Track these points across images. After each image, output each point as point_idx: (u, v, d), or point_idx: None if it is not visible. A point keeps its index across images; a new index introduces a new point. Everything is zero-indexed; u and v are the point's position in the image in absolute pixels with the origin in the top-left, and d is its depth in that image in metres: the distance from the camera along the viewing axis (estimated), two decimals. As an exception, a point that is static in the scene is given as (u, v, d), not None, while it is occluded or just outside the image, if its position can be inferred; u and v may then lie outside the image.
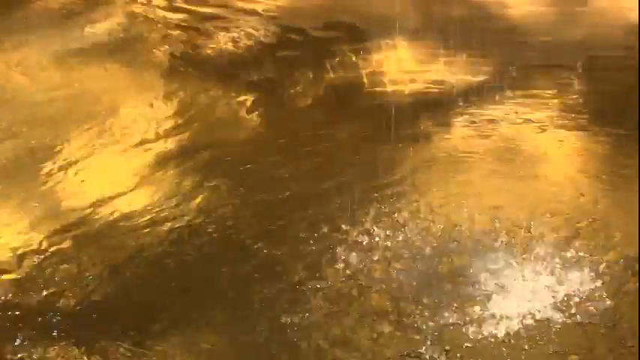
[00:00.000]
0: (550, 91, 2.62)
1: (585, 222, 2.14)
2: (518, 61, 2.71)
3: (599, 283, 2.00)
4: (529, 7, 3.02)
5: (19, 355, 1.86)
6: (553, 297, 1.96)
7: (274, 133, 2.53)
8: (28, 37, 2.93)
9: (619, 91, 2.64)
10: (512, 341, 1.86)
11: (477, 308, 1.93)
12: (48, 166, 2.37)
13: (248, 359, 1.91)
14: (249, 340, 1.91)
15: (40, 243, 2.12)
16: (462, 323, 1.91)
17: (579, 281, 2.00)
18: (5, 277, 2.05)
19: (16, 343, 1.90)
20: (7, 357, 1.89)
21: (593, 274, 2.02)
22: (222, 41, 2.88)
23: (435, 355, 1.90)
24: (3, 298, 2.01)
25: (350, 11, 2.98)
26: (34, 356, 1.86)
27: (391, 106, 2.57)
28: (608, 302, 1.95)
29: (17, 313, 1.98)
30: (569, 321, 1.90)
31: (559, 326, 1.88)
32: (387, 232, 2.13)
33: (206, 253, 2.14)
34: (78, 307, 1.98)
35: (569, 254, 2.07)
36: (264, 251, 2.17)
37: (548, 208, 2.21)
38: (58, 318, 1.96)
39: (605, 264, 2.02)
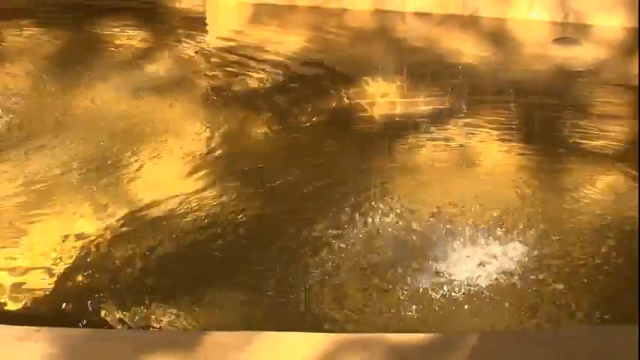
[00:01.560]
0: (491, 118, 2.66)
1: (513, 213, 2.19)
2: (468, 95, 2.72)
3: (524, 257, 2.05)
4: (478, 54, 3.08)
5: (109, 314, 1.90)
6: (489, 268, 2.01)
7: (286, 146, 2.62)
8: (103, 74, 2.95)
9: (543, 119, 2.67)
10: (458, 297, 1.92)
11: (435, 273, 2.00)
12: (115, 170, 2.41)
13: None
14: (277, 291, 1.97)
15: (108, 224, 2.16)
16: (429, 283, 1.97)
17: (508, 256, 2.05)
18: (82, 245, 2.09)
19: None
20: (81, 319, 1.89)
21: (518, 251, 2.07)
22: (248, 80, 2.93)
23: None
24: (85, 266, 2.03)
25: (343, 60, 3.08)
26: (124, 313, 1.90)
27: (373, 128, 2.65)
28: (533, 275, 2.00)
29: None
30: (496, 287, 1.97)
31: (489, 290, 1.95)
32: (370, 217, 2.19)
33: (235, 232, 2.19)
34: (140, 275, 2.02)
35: (503, 240, 2.10)
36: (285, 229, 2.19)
37: (488, 202, 2.23)
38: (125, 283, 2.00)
39: (526, 245, 2.07)
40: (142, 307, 1.95)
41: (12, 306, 1.96)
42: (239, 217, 2.29)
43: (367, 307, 1.97)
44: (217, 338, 1.56)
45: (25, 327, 1.59)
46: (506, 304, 1.95)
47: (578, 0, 3.19)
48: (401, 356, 1.49)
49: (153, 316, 1.92)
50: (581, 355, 1.53)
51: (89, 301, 1.96)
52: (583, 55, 3.08)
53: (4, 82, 2.81)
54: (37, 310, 1.97)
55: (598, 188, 2.39)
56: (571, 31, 3.17)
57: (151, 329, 1.88)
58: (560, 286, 2.01)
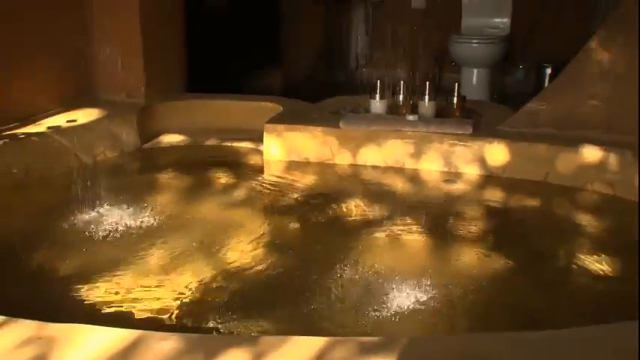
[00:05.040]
0: (410, 220, 2.65)
1: (424, 271, 2.15)
2: (399, 209, 2.75)
3: (430, 294, 2.03)
4: (403, 187, 3.06)
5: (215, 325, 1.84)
6: (407, 304, 1.97)
7: (304, 236, 2.55)
8: (206, 197, 2.86)
9: (438, 221, 2.66)
10: (397, 317, 1.89)
11: (378, 305, 1.96)
12: (213, 248, 2.35)
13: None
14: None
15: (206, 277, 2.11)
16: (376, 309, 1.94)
17: (417, 295, 2.03)
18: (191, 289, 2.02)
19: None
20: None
21: (427, 291, 2.05)
22: (284, 200, 2.92)
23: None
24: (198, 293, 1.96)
25: (334, 190, 3.06)
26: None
27: (349, 225, 2.61)
28: (436, 303, 1.98)
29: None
30: (418, 310, 1.94)
31: (412, 314, 1.92)
32: (348, 271, 2.17)
33: (281, 277, 2.16)
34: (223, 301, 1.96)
35: (419, 285, 2.08)
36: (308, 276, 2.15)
37: (410, 265, 2.23)
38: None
39: (430, 287, 2.05)
40: (229, 320, 1.91)
41: (151, 319, 1.92)
42: (280, 270, 2.26)
43: (353, 320, 1.93)
44: (269, 340, 1.47)
45: (161, 332, 1.50)
46: (426, 318, 1.94)
47: (455, 159, 3.19)
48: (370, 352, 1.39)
49: (231, 326, 1.88)
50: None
51: (201, 317, 1.92)
52: (458, 188, 3.08)
53: (155, 205, 2.74)
54: (169, 321, 1.92)
55: (469, 258, 2.38)
56: (452, 176, 3.17)
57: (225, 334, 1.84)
58: (453, 311, 1.99)
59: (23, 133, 3.11)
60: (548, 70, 5.18)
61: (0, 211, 2.70)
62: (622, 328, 1.47)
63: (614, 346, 1.38)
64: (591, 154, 2.99)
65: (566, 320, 1.95)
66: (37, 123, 3.27)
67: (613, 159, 2.93)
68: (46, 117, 3.36)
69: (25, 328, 1.49)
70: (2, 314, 1.54)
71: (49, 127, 3.22)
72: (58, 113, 3.43)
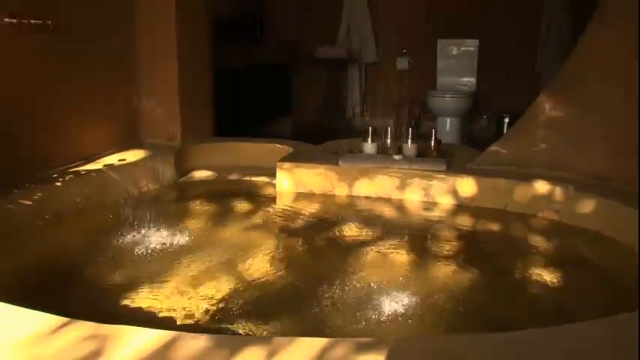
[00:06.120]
0: (396, 241, 2.65)
1: (406, 283, 2.17)
2: (387, 232, 2.75)
3: (412, 301, 2.02)
4: (391, 213, 3.04)
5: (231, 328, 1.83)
6: (394, 310, 1.96)
7: (309, 253, 2.52)
8: (228, 223, 2.88)
9: (418, 242, 2.64)
10: (382, 322, 1.87)
11: (370, 310, 1.94)
12: (233, 265, 2.35)
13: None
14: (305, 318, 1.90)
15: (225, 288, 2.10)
16: (370, 315, 1.93)
17: (401, 302, 2.02)
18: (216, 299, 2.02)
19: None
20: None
21: (407, 298, 2.04)
22: (293, 224, 2.92)
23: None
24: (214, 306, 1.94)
25: (333, 216, 3.03)
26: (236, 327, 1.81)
27: (346, 244, 2.60)
28: (417, 307, 1.97)
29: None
30: (401, 317, 1.92)
31: (398, 318, 1.89)
32: (342, 282, 2.14)
33: (288, 287, 2.13)
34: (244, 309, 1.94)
35: (401, 293, 2.09)
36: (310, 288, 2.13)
37: (394, 278, 2.22)
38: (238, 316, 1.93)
39: (412, 295, 2.06)
40: (248, 324, 1.92)
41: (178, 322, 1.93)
42: (290, 281, 2.28)
43: (345, 325, 1.93)
44: (280, 340, 1.45)
45: (193, 333, 1.50)
46: (409, 321, 1.94)
47: (433, 191, 3.15)
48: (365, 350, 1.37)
49: (245, 328, 1.88)
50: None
51: (225, 320, 1.93)
52: (435, 215, 3.09)
53: (188, 228, 2.74)
54: (199, 324, 1.92)
55: (444, 272, 2.39)
56: (430, 205, 3.18)
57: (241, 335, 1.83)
58: (432, 315, 2.00)
59: (84, 170, 3.23)
60: (507, 120, 5.39)
61: (66, 232, 2.79)
62: (574, 328, 1.50)
63: (567, 346, 1.39)
64: (541, 187, 3.08)
65: (526, 322, 1.98)
66: (95, 161, 3.39)
67: (559, 191, 3.02)
68: (102, 156, 3.49)
69: (84, 328, 1.53)
70: (66, 316, 1.59)
71: (104, 165, 3.34)
72: (112, 154, 3.56)
